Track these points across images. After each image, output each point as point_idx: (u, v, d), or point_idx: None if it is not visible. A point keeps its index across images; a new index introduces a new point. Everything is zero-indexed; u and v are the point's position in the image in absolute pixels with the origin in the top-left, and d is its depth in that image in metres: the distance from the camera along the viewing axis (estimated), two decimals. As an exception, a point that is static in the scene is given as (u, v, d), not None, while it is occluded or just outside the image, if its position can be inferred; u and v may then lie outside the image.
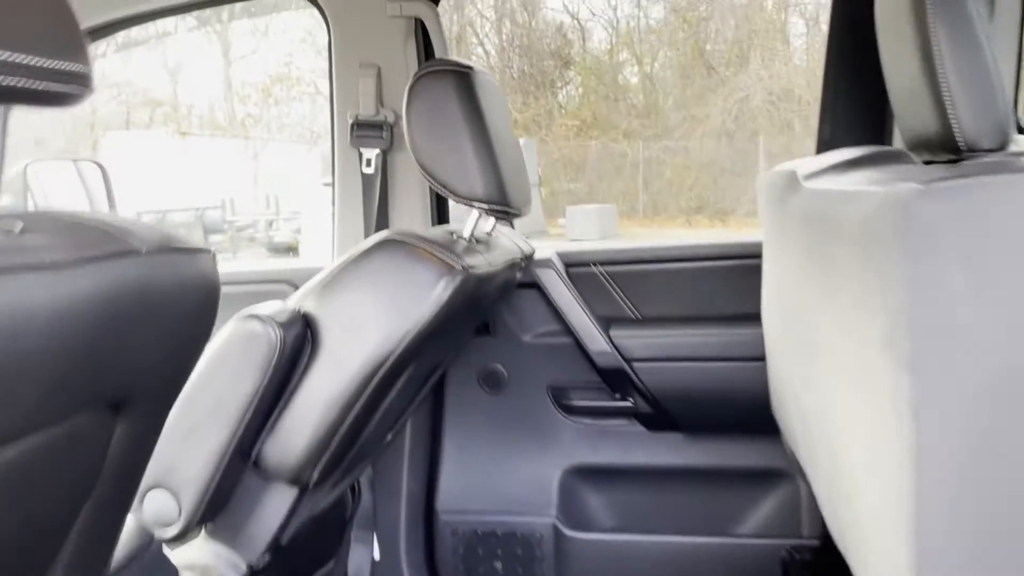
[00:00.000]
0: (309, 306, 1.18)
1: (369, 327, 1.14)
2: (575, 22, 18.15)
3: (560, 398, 1.84)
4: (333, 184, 1.80)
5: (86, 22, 1.75)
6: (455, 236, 1.33)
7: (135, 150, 16.52)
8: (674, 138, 16.70)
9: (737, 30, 17.44)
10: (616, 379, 1.77)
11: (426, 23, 1.71)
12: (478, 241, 1.36)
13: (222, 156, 17.40)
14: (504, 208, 1.33)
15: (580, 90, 18.47)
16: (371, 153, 1.72)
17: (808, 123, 16.27)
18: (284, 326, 1.12)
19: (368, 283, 1.16)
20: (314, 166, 18.23)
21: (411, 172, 1.73)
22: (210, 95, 21.51)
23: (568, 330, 1.78)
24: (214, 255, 0.70)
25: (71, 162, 1.99)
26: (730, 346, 1.71)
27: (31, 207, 1.84)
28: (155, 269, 0.61)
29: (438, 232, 1.33)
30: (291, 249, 11.68)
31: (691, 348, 1.74)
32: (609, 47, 18.44)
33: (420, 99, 1.32)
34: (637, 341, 1.75)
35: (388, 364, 1.14)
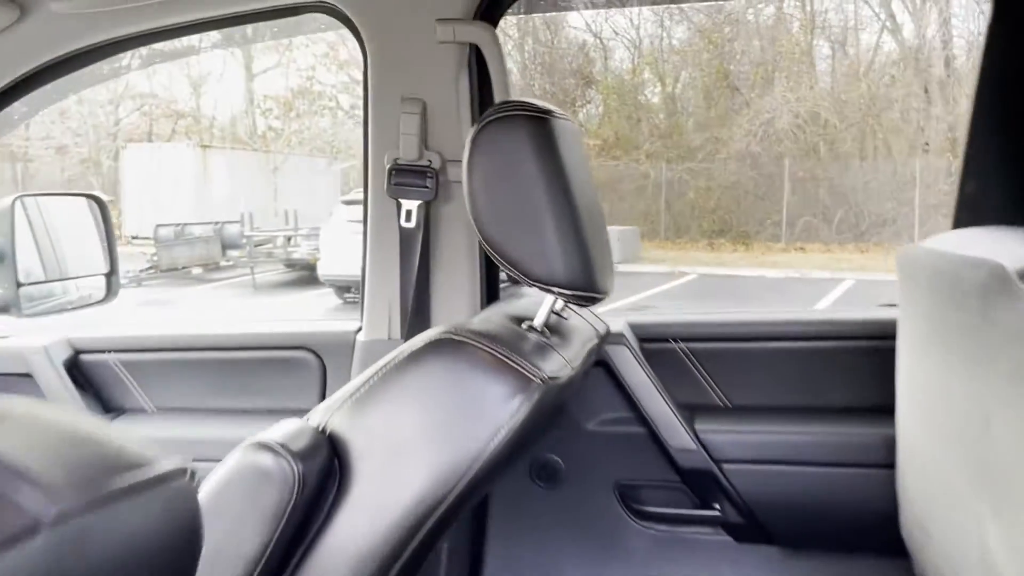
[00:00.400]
0: (338, 425, 0.92)
1: (418, 458, 0.88)
2: (598, 41, 18.06)
3: (629, 498, 1.56)
4: (364, 239, 1.52)
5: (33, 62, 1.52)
6: (524, 326, 1.06)
7: (156, 161, 16.50)
8: (697, 159, 16.50)
9: (763, 52, 17.27)
10: (701, 482, 1.49)
11: (483, 50, 1.43)
12: (550, 330, 1.09)
13: (242, 169, 17.36)
14: (590, 294, 1.04)
15: (601, 109, 18.32)
16: (412, 204, 1.44)
17: (833, 147, 16.03)
18: (303, 457, 0.86)
19: (417, 398, 0.90)
20: (334, 182, 18.18)
21: (459, 228, 1.47)
22: (232, 108, 21.54)
23: (642, 418, 1.50)
24: (192, 473, 0.43)
25: (67, 195, 1.74)
26: (845, 448, 1.42)
27: (19, 243, 1.60)
28: (77, 542, 0.35)
29: (501, 320, 1.07)
30: (309, 266, 11.49)
31: (795, 448, 1.45)
32: (632, 66, 18.31)
33: (486, 152, 1.02)
34: (728, 437, 1.47)
35: (442, 508, 0.88)
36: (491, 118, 1.03)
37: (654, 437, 1.49)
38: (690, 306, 9.05)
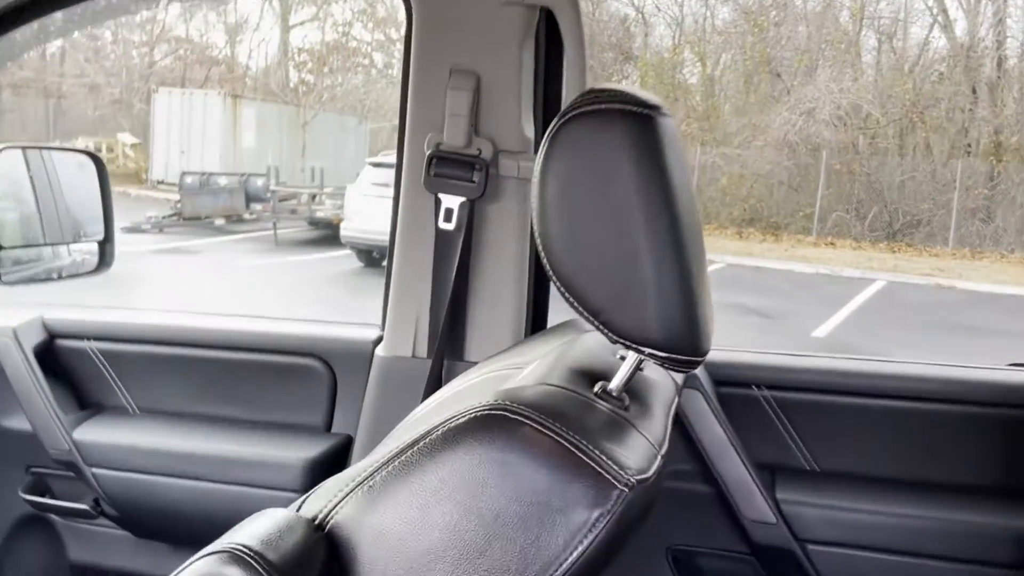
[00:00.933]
0: (343, 521, 0.69)
1: None
2: (640, 16, 17.70)
3: (685, 568, 1.36)
4: (392, 236, 1.30)
5: None
6: (597, 389, 0.79)
7: (187, 108, 16.44)
8: (733, 145, 16.18)
9: (808, 39, 16.85)
10: (777, 561, 1.27)
11: (557, 16, 1.17)
12: (629, 395, 0.82)
13: (272, 122, 17.26)
14: (692, 359, 0.76)
15: (637, 85, 17.99)
16: (453, 201, 1.20)
17: (874, 143, 15.66)
18: (288, 571, 0.64)
19: (454, 497, 0.66)
20: (363, 142, 18.03)
21: (507, 235, 1.25)
22: (266, 59, 21.42)
23: (710, 477, 1.27)
24: None
25: (60, 150, 1.57)
26: (963, 539, 1.19)
27: (6, 200, 1.45)
28: None
29: (562, 377, 0.80)
30: (332, 226, 11.36)
31: (899, 533, 1.21)
32: (672, 44, 17.97)
33: (568, 156, 0.75)
34: (816, 512, 1.23)
35: None
36: (578, 111, 0.75)
37: (723, 500, 1.27)
38: (715, 296, 8.82)
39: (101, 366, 1.53)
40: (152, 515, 1.47)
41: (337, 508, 0.69)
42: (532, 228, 1.23)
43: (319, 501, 0.71)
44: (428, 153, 1.22)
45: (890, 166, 15.41)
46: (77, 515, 1.58)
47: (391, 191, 1.35)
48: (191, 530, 1.42)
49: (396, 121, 1.32)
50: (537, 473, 0.65)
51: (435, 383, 1.24)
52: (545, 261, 0.78)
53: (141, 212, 12.48)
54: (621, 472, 0.66)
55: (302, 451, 1.39)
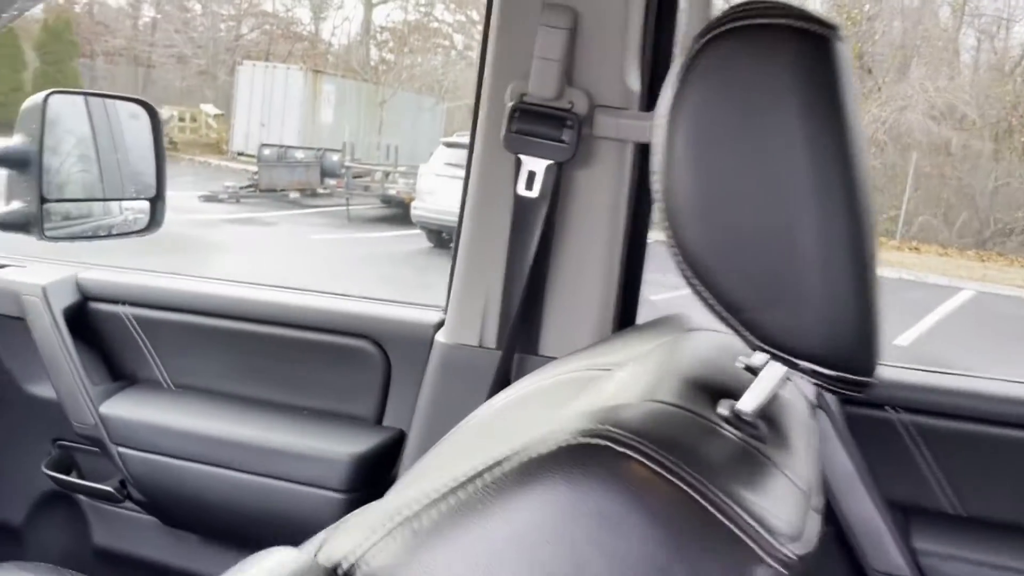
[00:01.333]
0: (377, 572, 0.49)
1: None
2: (726, 5, 17.29)
3: None
4: (463, 204, 1.13)
5: None
6: (724, 411, 0.57)
7: (269, 81, 16.69)
8: (817, 141, 15.69)
9: (904, 35, 16.19)
10: None
11: None
12: (763, 420, 0.59)
13: (350, 99, 17.41)
14: (860, 379, 0.54)
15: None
16: (538, 165, 1.02)
17: (967, 145, 14.97)
18: None
19: (532, 556, 0.45)
20: (439, 122, 18.05)
21: (600, 206, 1.05)
22: (349, 36, 21.63)
23: (829, 512, 1.07)
24: None
25: (112, 98, 1.45)
26: None
27: (48, 146, 1.34)
28: None
29: (675, 388, 0.58)
30: (403, 204, 11.37)
31: None
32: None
33: (709, 87, 0.53)
34: (961, 568, 1.03)
35: None
36: (729, 25, 0.53)
37: (844, 543, 1.07)
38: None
39: (136, 334, 1.42)
40: (180, 503, 1.35)
41: (368, 555, 0.50)
42: (628, 199, 1.06)
43: (344, 543, 0.52)
44: (510, 105, 1.03)
45: (984, 170, 14.76)
46: (102, 497, 1.45)
47: (464, 171, 1.19)
48: (222, 522, 1.30)
49: (473, 101, 1.14)
50: (651, 533, 0.45)
51: (503, 379, 1.08)
52: (668, 233, 0.55)
53: (220, 182, 12.69)
54: (771, 540, 0.46)
55: (348, 445, 1.25)
